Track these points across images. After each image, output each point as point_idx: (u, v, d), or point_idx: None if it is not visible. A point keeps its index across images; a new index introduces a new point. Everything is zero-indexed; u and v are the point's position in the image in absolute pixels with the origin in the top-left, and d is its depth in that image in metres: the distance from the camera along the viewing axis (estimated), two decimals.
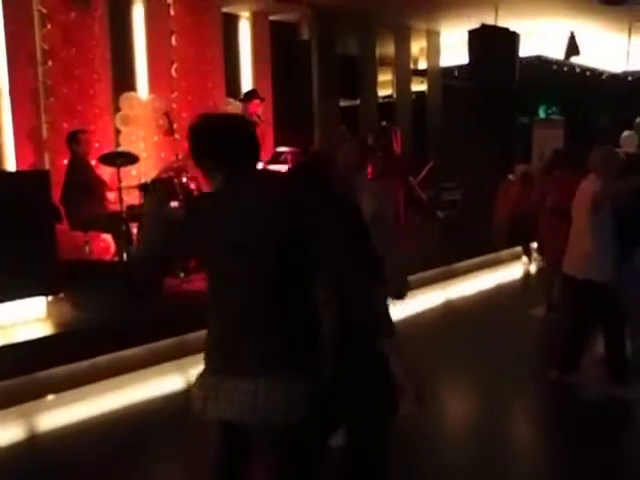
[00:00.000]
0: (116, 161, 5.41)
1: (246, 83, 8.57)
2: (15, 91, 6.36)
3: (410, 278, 6.30)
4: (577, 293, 4.17)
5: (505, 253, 8.04)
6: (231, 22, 8.46)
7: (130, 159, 5.65)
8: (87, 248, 5.90)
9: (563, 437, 3.63)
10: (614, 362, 4.10)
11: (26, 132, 6.44)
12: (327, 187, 2.15)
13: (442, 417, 3.87)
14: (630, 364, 4.12)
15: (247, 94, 6.77)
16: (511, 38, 9.25)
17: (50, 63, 6.45)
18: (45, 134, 6.61)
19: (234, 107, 7.41)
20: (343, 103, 9.82)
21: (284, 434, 1.70)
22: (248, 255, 1.71)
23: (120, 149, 6.75)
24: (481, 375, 4.54)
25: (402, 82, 10.30)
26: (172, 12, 7.54)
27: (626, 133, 11.55)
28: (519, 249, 7.93)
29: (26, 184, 4.71)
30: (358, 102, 9.75)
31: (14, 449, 3.46)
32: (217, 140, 1.82)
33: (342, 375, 2.00)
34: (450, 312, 6.22)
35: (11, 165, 6.38)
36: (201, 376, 1.80)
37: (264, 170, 3.09)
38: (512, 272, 7.54)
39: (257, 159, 1.90)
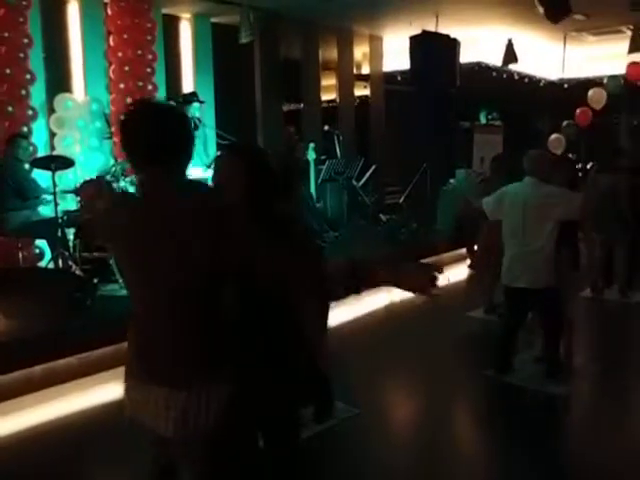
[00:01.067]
0: (51, 165, 5.28)
1: (187, 86, 8.52)
2: None
3: None
4: (521, 300, 4.31)
5: (447, 255, 8.28)
6: (172, 23, 8.40)
7: (65, 163, 5.52)
8: (20, 255, 5.75)
9: (501, 435, 3.77)
10: (553, 360, 4.33)
11: None
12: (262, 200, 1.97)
13: (381, 417, 3.97)
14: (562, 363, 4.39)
15: (185, 96, 6.74)
16: (451, 44, 9.55)
17: None
18: None
19: None
20: (287, 107, 9.90)
21: (208, 441, 1.64)
22: (147, 271, 1.66)
23: (55, 153, 6.62)
24: (420, 375, 4.69)
25: (345, 86, 10.43)
26: (109, 12, 7.44)
27: (553, 136, 12.14)
28: (462, 251, 8.16)
29: None
30: (302, 106, 9.82)
31: None
32: (144, 133, 1.64)
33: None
34: (392, 314, 6.35)
35: None
36: (126, 385, 1.76)
37: (191, 181, 2.89)
38: (455, 274, 7.73)
39: (188, 161, 1.75)
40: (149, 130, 1.64)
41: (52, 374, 4.19)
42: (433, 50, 9.23)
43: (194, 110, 6.27)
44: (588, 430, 3.86)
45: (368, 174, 9.16)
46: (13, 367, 4.06)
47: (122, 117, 1.72)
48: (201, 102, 6.38)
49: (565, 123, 12.50)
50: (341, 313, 5.99)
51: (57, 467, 3.26)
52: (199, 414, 1.60)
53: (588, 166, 11.87)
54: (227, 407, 1.64)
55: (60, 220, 5.45)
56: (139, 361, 1.69)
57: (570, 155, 12.41)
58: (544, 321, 4.38)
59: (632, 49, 9.47)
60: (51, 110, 7.00)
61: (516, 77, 13.45)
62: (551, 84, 14.36)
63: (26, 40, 6.49)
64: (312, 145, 8.29)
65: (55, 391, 4.12)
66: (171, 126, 1.66)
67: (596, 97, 12.30)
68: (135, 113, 1.72)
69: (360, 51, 10.94)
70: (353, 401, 3.98)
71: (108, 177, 6.06)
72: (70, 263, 5.32)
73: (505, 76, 12.99)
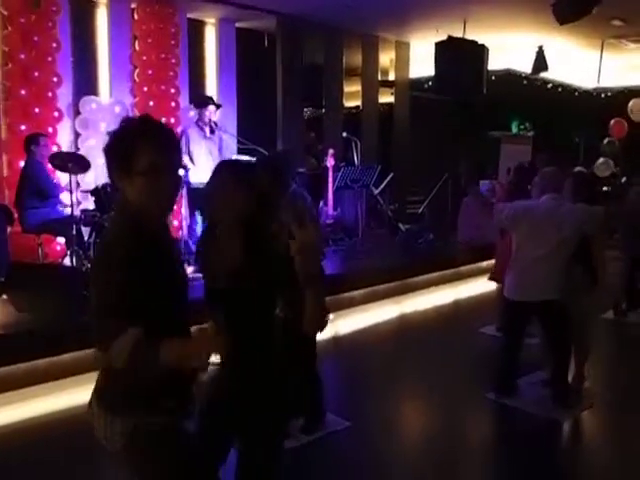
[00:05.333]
0: (67, 165, 5.73)
1: (210, 90, 8.96)
2: None
3: (366, 291, 6.84)
4: (519, 316, 4.33)
5: (465, 269, 8.46)
6: (196, 28, 8.85)
7: (82, 164, 5.97)
8: (40, 251, 6.21)
9: (494, 462, 3.78)
10: (559, 384, 4.29)
11: None
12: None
13: (372, 431, 4.00)
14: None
15: (201, 99, 7.09)
16: (479, 51, 9.61)
17: (10, 65, 6.78)
18: (3, 135, 6.94)
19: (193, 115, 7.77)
20: (308, 112, 10.21)
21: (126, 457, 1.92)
22: None
23: (80, 153, 7.10)
24: (420, 391, 4.76)
25: (369, 93, 10.71)
26: (135, 16, 7.92)
27: (600, 161, 12.15)
28: (481, 264, 8.33)
29: None
30: (323, 112, 10.15)
31: None
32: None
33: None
34: (403, 326, 6.56)
35: None
36: None
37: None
38: (471, 288, 7.85)
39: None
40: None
41: (54, 368, 4.52)
42: (459, 56, 9.29)
43: (210, 114, 6.62)
44: (591, 465, 3.75)
45: (385, 182, 9.44)
46: (16, 359, 4.39)
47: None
48: (217, 106, 6.72)
49: (605, 141, 12.45)
50: (351, 321, 6.31)
51: (63, 458, 3.54)
52: (108, 439, 1.88)
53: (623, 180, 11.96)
54: (132, 437, 1.85)
55: (77, 219, 5.92)
56: None
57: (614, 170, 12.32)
58: (548, 340, 4.36)
59: None
60: (76, 112, 7.48)
61: (549, 86, 13.58)
62: (587, 93, 14.42)
63: (55, 44, 7.00)
64: (331, 151, 8.62)
65: (59, 384, 4.43)
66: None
67: (637, 107, 12.29)
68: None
69: (387, 57, 11.21)
70: (346, 413, 4.05)
71: None
72: (84, 261, 5.77)
73: (538, 84, 13.15)
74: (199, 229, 6.88)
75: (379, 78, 11.05)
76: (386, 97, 11.54)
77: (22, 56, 6.75)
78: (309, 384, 3.67)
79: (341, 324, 6.18)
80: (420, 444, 4.00)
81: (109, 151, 1.82)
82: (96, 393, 1.92)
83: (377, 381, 4.93)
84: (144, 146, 1.77)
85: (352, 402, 4.47)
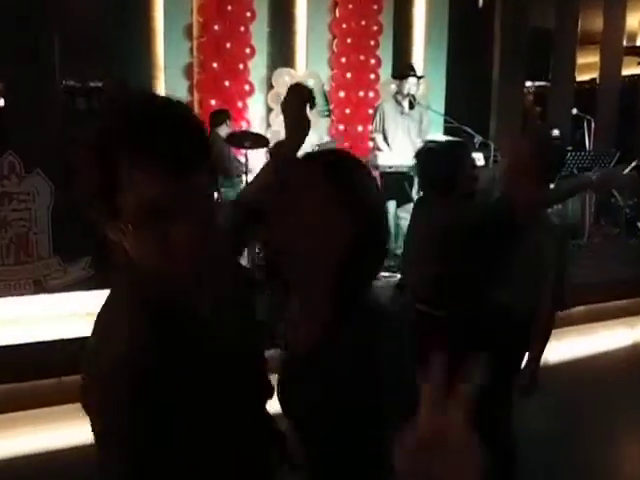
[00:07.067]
0: (244, 143, 5.30)
1: (417, 61, 8.05)
2: (171, 66, 6.61)
3: (589, 308, 5.57)
4: None
5: None
6: None
7: (259, 141, 5.49)
8: None
9: None
10: None
11: None
12: None
13: None
14: None
15: (400, 70, 6.27)
16: None
17: (204, 38, 6.56)
18: (196, 111, 6.78)
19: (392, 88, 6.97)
20: (530, 85, 8.97)
21: None
22: None
23: (270, 130, 6.73)
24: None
25: (610, 63, 9.10)
26: None
27: None
28: None
29: None
30: (549, 85, 8.80)
31: None
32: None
33: None
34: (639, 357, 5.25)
35: None
36: None
37: None
38: None
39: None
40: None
41: None
42: None
43: (410, 86, 5.77)
44: None
45: (627, 171, 7.80)
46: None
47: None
48: (419, 77, 5.85)
49: None
50: (566, 346, 5.10)
51: None
52: None
53: None
54: None
55: None
56: None
57: None
58: None
59: None
60: (270, 86, 7.11)
61: None
62: None
63: (249, 14, 6.64)
64: (556, 132, 7.29)
65: None
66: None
67: None
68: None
69: (634, 19, 9.44)
70: None
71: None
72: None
73: None
74: (391, 220, 6.13)
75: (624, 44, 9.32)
76: (631, 68, 9.76)
77: (216, 27, 6.48)
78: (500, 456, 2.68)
79: (552, 349, 4.96)
80: None
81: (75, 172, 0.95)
82: None
83: (606, 424, 3.77)
84: (134, 166, 0.90)
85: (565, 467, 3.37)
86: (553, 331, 5.04)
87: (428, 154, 2.89)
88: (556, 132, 7.25)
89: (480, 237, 2.38)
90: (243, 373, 1.07)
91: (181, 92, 6.66)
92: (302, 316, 1.21)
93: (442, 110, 7.40)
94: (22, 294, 4.15)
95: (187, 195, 0.92)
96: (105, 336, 0.97)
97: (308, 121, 1.39)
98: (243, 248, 1.42)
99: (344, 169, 1.15)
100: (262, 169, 1.44)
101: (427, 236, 2.61)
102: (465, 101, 7.78)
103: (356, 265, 1.11)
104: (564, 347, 5.07)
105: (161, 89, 6.59)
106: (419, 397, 0.72)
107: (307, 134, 1.39)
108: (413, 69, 5.94)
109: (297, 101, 1.37)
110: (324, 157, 1.20)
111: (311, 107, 1.37)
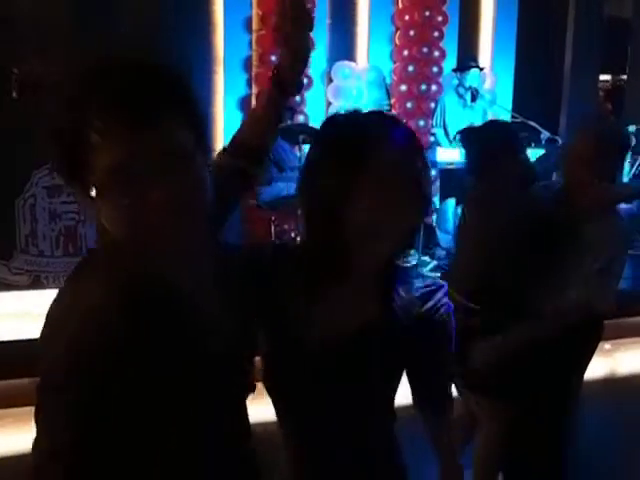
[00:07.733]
0: (298, 137, 5.20)
1: (483, 53, 7.75)
2: (229, 59, 6.60)
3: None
4: None
5: None
6: None
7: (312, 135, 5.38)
8: (272, 229, 5.85)
9: None
10: None
11: (235, 102, 6.66)
12: None
13: None
14: None
15: (462, 62, 6.05)
16: None
17: (263, 30, 6.51)
18: (253, 105, 6.76)
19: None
20: (604, 79, 8.49)
21: None
22: None
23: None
24: None
25: None
26: None
27: None
28: None
29: None
30: (625, 78, 8.32)
31: None
32: None
33: None
34: None
35: (219, 136, 6.63)
36: None
37: None
38: None
39: None
40: None
41: None
42: None
43: (472, 78, 5.54)
44: None
45: None
46: None
47: None
48: (480, 69, 5.63)
49: None
50: (636, 357, 4.75)
51: None
52: None
53: None
54: None
55: None
56: None
57: None
58: None
59: None
60: (329, 79, 7.00)
61: None
62: None
63: (309, 5, 6.52)
64: (632, 128, 6.85)
65: None
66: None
67: None
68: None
69: None
70: None
71: None
72: None
73: None
74: (451, 217, 5.93)
75: None
76: None
77: (274, 19, 6.40)
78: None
79: (621, 359, 4.63)
80: None
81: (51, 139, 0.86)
82: None
83: None
84: (98, 119, 0.81)
85: None
86: (622, 340, 4.74)
87: (469, 133, 2.76)
88: (632, 128, 6.81)
89: (532, 237, 2.21)
90: (223, 366, 0.97)
91: (240, 85, 6.66)
92: (340, 300, 1.20)
93: (509, 105, 7.11)
94: None
95: (155, 152, 0.81)
96: (62, 319, 0.88)
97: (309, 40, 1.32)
98: (248, 190, 1.40)
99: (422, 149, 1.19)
100: (260, 100, 1.37)
101: (476, 233, 2.45)
102: (534, 95, 7.45)
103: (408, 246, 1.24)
104: (634, 358, 4.76)
105: (220, 83, 6.61)
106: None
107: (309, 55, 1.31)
108: (475, 60, 5.73)
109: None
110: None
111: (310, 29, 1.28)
